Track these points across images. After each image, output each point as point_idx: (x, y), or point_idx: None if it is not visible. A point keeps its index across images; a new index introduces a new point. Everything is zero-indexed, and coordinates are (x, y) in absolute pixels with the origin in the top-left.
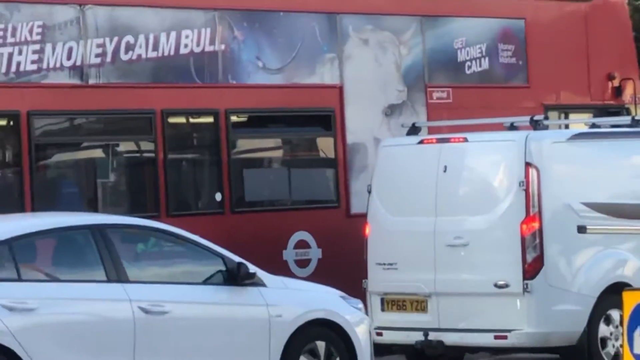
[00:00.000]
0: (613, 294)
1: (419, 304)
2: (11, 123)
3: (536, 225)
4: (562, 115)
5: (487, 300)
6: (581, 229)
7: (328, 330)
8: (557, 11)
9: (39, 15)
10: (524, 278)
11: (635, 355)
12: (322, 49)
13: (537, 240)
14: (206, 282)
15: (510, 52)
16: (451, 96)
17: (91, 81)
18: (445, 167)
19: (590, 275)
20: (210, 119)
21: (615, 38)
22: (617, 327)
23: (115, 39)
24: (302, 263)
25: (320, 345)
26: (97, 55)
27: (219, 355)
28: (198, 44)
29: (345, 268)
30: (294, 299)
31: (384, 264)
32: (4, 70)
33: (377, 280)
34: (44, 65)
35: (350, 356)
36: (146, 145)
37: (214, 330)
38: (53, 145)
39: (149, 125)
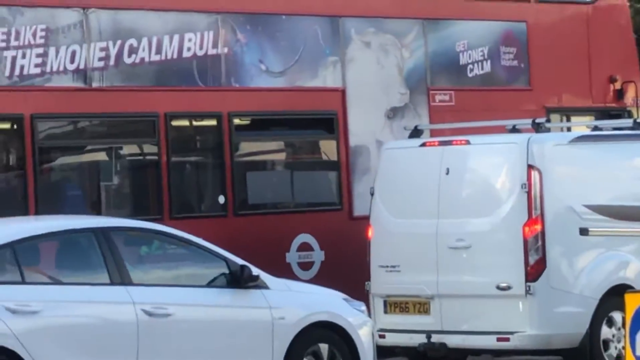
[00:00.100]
0: (615, 296)
1: (422, 306)
2: (15, 126)
3: (538, 227)
4: (564, 118)
5: (489, 303)
6: (583, 231)
7: (331, 332)
8: (559, 14)
9: (42, 19)
10: (527, 280)
11: (637, 357)
12: (325, 52)
13: (540, 243)
14: (209, 284)
15: (512, 55)
16: (453, 99)
17: (94, 84)
18: (448, 169)
19: (592, 278)
20: (213, 122)
21: (617, 40)
22: (619, 329)
23: (119, 42)
24: (305, 265)
25: (323, 347)
26: (100, 59)
27: (222, 358)
28: (201, 47)
29: (348, 270)
30: (297, 301)
31: (387, 266)
32: (7, 73)
33: (380, 283)
34: (48, 69)
35: (353, 358)
36: (149, 148)
37: (217, 332)
38: (56, 149)
39: (152, 128)
